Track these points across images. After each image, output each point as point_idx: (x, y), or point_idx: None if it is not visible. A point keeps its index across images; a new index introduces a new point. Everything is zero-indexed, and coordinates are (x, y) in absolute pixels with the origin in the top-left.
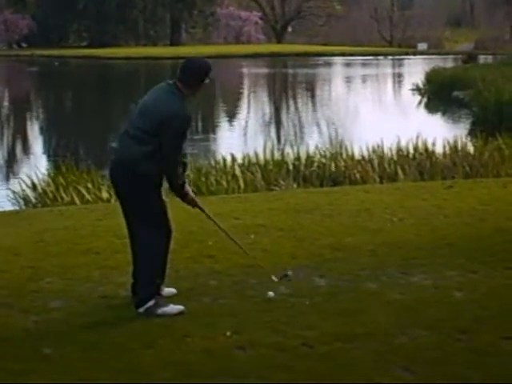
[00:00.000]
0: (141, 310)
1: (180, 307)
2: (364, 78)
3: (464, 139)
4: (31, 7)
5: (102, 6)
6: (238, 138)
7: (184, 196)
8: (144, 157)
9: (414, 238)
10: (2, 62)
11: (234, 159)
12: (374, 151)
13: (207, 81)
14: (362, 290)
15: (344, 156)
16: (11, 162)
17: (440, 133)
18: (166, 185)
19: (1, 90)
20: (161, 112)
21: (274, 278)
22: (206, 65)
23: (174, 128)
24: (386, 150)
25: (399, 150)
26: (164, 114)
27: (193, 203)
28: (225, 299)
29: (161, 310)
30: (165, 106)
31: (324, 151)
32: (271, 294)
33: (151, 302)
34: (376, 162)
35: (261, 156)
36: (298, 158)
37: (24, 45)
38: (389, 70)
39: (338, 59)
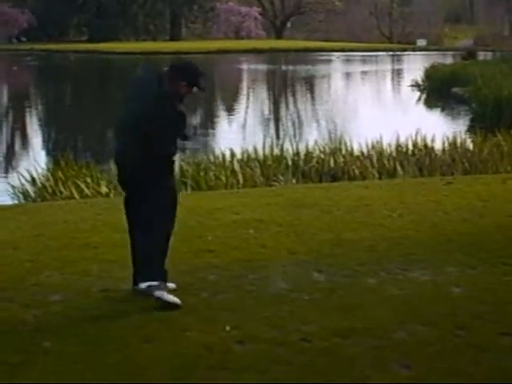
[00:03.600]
0: (143, 285)
1: (177, 300)
2: (363, 74)
3: (463, 135)
4: (31, 1)
5: (101, 0)
6: (237, 134)
7: None
8: None
9: (413, 233)
10: (1, 57)
11: (233, 154)
12: (373, 147)
13: (195, 89)
14: (361, 285)
15: (343, 152)
16: (10, 157)
17: (439, 129)
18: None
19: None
20: None
21: None
22: (194, 67)
23: None
24: (385, 146)
25: (398, 146)
26: None
27: None
28: (224, 294)
29: (159, 293)
30: None
31: (323, 147)
32: None
33: (155, 282)
34: (375, 158)
35: (260, 151)
36: (297, 154)
37: (23, 39)
38: (388, 66)
39: (338, 55)
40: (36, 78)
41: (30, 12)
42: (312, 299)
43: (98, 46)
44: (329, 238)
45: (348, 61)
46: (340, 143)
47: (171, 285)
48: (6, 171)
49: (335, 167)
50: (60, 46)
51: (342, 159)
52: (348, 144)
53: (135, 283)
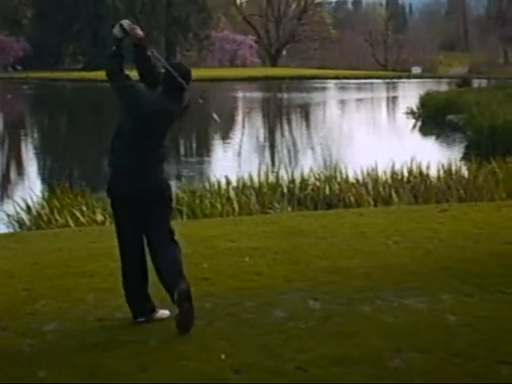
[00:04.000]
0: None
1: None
2: (358, 102)
3: (458, 163)
4: (26, 30)
5: (97, 28)
6: (233, 161)
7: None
8: None
9: (409, 261)
10: None
11: (228, 182)
12: (368, 174)
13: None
14: (357, 313)
15: (338, 179)
16: (5, 185)
17: (434, 156)
18: None
19: None
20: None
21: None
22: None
23: None
24: (380, 174)
25: (394, 173)
26: None
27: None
28: (220, 322)
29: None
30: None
31: (318, 174)
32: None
33: None
34: (370, 186)
35: (255, 179)
36: (292, 181)
37: (19, 67)
38: (383, 94)
39: (333, 83)
40: (31, 106)
41: (25, 40)
42: (308, 327)
43: (93, 74)
44: (324, 266)
45: (343, 88)
46: (335, 171)
47: (166, 312)
48: (1, 199)
49: (330, 195)
50: (55, 74)
51: (337, 186)
52: (343, 171)
53: (139, 315)
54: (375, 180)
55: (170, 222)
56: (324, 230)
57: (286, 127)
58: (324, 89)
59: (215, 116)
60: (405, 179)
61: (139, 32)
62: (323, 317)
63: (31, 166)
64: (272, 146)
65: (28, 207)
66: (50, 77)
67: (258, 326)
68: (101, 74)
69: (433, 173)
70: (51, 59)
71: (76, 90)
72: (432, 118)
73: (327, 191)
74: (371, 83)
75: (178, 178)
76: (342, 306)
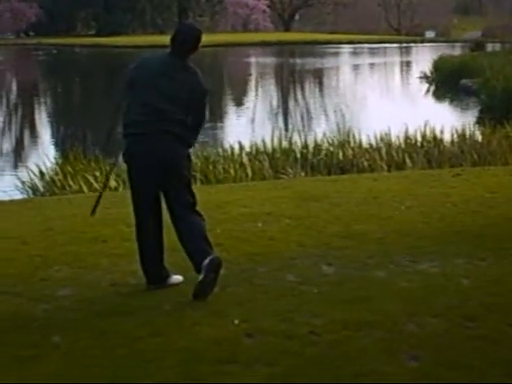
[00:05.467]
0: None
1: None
2: (372, 67)
3: (472, 127)
4: None
5: None
6: (246, 127)
7: None
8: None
9: (422, 225)
10: (10, 50)
11: (241, 147)
12: (381, 139)
13: None
14: (370, 278)
15: (352, 144)
16: (19, 151)
17: (448, 121)
18: None
19: (8, 78)
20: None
21: None
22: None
23: (206, 96)
24: (393, 138)
25: (407, 138)
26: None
27: None
28: (233, 287)
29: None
30: (189, 80)
31: (332, 139)
32: None
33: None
34: (384, 150)
35: (268, 144)
36: (305, 147)
37: (31, 33)
38: (396, 58)
39: (346, 47)
40: (44, 72)
41: (37, 6)
42: (321, 292)
43: (105, 40)
44: (338, 231)
45: (356, 53)
46: (348, 136)
47: (179, 277)
48: (15, 166)
49: (344, 160)
50: (68, 39)
51: (350, 152)
52: (357, 136)
53: (152, 281)
54: (389, 145)
55: (191, 192)
56: (337, 195)
57: (299, 92)
58: (337, 54)
59: None
60: (418, 144)
61: None
62: (336, 282)
63: (45, 132)
64: (285, 112)
65: (41, 173)
66: (63, 43)
67: (271, 291)
68: (113, 40)
69: (446, 137)
70: (64, 25)
71: (89, 55)
72: (446, 83)
73: (340, 156)
74: (384, 48)
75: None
76: (355, 271)
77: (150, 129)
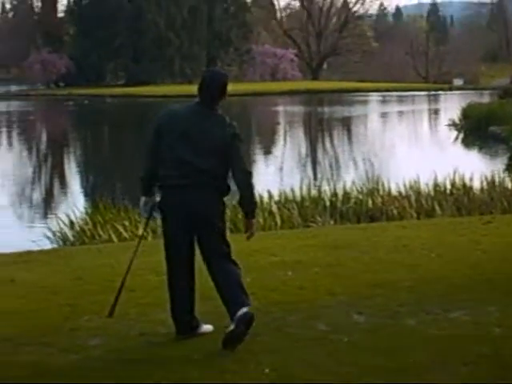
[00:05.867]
0: (246, 309)
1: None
2: (400, 114)
3: (501, 174)
4: (68, 46)
5: (138, 44)
6: (275, 175)
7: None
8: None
9: (453, 273)
10: (40, 101)
11: (270, 196)
12: (410, 187)
13: None
14: (401, 326)
15: (381, 192)
16: (49, 201)
17: (477, 168)
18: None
19: (38, 129)
20: (222, 136)
21: None
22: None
23: (240, 142)
24: (422, 186)
25: (436, 185)
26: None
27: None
28: (264, 336)
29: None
30: (221, 129)
31: (361, 187)
32: None
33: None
34: (413, 198)
35: (297, 193)
36: (334, 195)
37: (61, 84)
38: (425, 106)
39: (374, 95)
40: (74, 122)
41: (67, 57)
42: (351, 341)
43: (134, 90)
44: (368, 279)
45: (384, 101)
46: (378, 183)
47: (209, 327)
48: (45, 216)
49: (373, 208)
50: (97, 90)
51: (379, 199)
52: (386, 184)
53: (182, 331)
54: (418, 192)
55: (226, 242)
56: (367, 243)
57: (327, 141)
58: (365, 102)
59: None
60: (448, 191)
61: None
62: (367, 330)
63: (74, 182)
64: (314, 160)
65: (71, 223)
66: (92, 93)
67: (301, 340)
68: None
69: (476, 185)
70: (93, 75)
71: (118, 105)
72: (474, 130)
73: (370, 204)
74: (412, 96)
75: None
76: (385, 320)
77: (184, 180)
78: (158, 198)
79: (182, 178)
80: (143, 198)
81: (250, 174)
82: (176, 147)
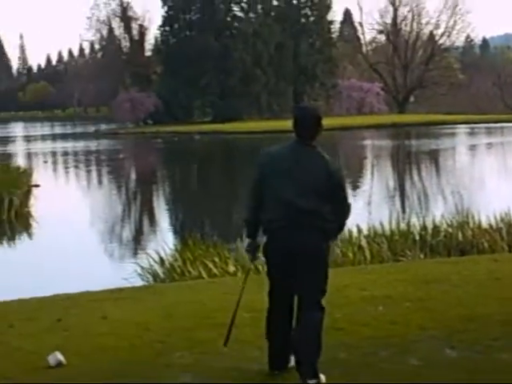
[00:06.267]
0: (313, 381)
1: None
2: (489, 146)
3: None
4: (156, 85)
5: (225, 81)
6: (363, 209)
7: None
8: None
9: None
10: (129, 139)
11: (359, 230)
12: (501, 219)
13: None
14: (495, 360)
15: (471, 225)
16: (139, 238)
17: None
18: None
19: (127, 167)
20: (324, 174)
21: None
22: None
23: (343, 179)
24: None
25: None
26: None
27: None
28: (355, 372)
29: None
30: (322, 166)
31: (450, 220)
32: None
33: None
34: (504, 231)
35: (386, 227)
36: (424, 228)
37: (150, 122)
38: None
39: (462, 128)
40: (162, 159)
41: (155, 96)
42: (444, 376)
43: (222, 127)
44: (460, 313)
45: (472, 133)
46: (467, 216)
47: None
48: (136, 253)
49: (463, 241)
50: (185, 127)
51: (470, 232)
52: (476, 217)
53: (276, 367)
54: (509, 225)
55: (325, 287)
56: (458, 276)
57: (415, 174)
58: (453, 134)
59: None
60: None
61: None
62: (459, 365)
63: (163, 219)
64: (402, 193)
65: (161, 259)
66: (180, 130)
67: (393, 375)
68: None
69: None
70: (181, 113)
71: (206, 142)
72: None
73: (460, 237)
74: (501, 127)
75: None
76: (479, 355)
77: (288, 222)
78: (261, 239)
79: (285, 219)
80: (248, 241)
81: (349, 209)
82: (279, 187)
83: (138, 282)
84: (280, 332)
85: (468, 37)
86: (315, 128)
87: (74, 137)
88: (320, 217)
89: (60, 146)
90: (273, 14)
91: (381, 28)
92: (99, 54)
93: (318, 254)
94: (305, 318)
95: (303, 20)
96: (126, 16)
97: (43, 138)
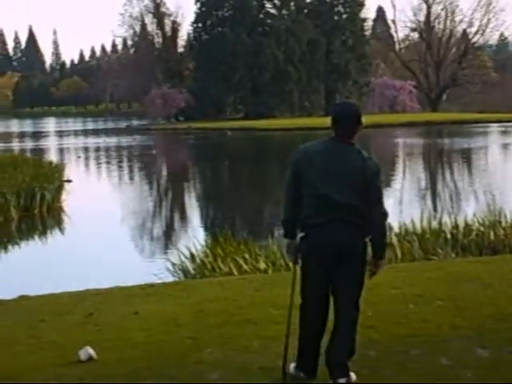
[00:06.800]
0: (343, 380)
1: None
2: None
3: None
4: (188, 81)
5: (257, 78)
6: (394, 207)
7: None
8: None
9: None
10: (161, 135)
11: (390, 228)
12: None
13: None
14: None
15: (503, 224)
16: (170, 234)
17: None
18: None
19: (159, 163)
20: (361, 171)
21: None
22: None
23: (379, 181)
24: None
25: None
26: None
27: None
28: (385, 370)
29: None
30: (359, 164)
31: (482, 219)
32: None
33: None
34: None
35: (418, 225)
36: (455, 227)
37: (181, 118)
38: None
39: (495, 126)
40: (194, 155)
41: (187, 92)
42: (475, 376)
43: (254, 123)
44: (491, 313)
45: (505, 132)
46: (500, 215)
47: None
48: (166, 249)
49: (495, 240)
50: (216, 123)
51: (502, 232)
52: (508, 216)
53: (309, 371)
54: None
55: (361, 285)
56: (490, 276)
57: (447, 172)
58: (485, 133)
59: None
60: None
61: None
62: (491, 365)
63: (194, 215)
64: (433, 192)
65: (192, 256)
66: (212, 126)
67: (423, 375)
68: (261, 123)
69: None
70: (212, 109)
71: (238, 138)
72: None
73: (492, 237)
74: None
75: None
76: (510, 354)
77: (325, 218)
78: (299, 237)
79: (323, 215)
80: (287, 242)
81: (385, 216)
82: (316, 185)
83: (169, 278)
84: (313, 332)
85: (501, 35)
86: (355, 126)
87: (106, 132)
88: (357, 213)
89: (92, 141)
90: (305, 10)
91: (414, 26)
92: (132, 50)
93: (355, 250)
94: (341, 316)
95: (336, 17)
96: (159, 12)
97: (75, 133)
